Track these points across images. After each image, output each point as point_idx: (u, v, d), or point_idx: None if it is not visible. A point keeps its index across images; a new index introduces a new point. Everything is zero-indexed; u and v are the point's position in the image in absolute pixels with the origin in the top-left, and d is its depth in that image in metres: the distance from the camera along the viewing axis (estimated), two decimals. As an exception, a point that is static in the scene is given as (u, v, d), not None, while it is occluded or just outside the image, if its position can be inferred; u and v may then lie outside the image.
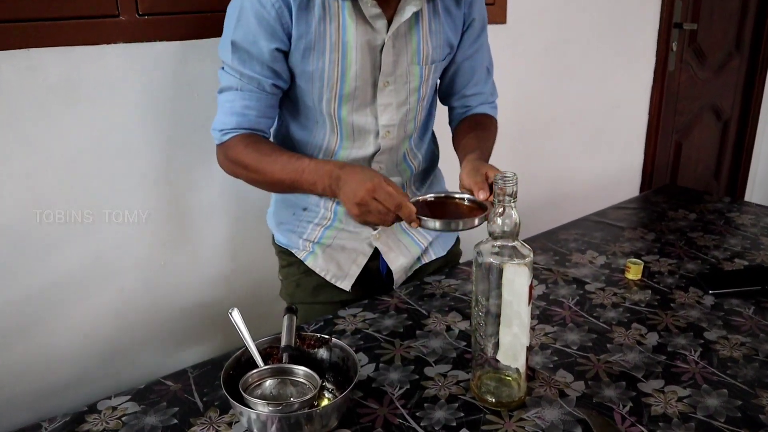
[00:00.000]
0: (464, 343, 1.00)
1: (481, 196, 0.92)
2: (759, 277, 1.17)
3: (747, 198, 3.17)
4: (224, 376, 0.82)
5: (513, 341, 0.81)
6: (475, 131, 1.14)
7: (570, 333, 1.02)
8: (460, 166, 1.02)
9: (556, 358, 0.95)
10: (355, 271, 1.22)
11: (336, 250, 1.21)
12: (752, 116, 3.02)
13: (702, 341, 0.99)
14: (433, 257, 1.29)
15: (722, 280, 1.18)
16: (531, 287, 0.79)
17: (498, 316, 0.80)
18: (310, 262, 1.22)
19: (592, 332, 1.03)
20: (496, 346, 0.82)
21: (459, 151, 1.12)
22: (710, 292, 1.14)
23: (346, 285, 1.22)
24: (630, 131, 2.53)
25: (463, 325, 1.05)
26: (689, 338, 1.00)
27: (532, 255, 0.78)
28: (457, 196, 0.98)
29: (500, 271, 0.77)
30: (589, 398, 0.86)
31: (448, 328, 1.05)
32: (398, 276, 1.24)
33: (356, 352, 0.98)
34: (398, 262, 1.23)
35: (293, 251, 1.23)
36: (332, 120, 1.07)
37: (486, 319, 0.81)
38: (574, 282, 1.20)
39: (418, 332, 1.04)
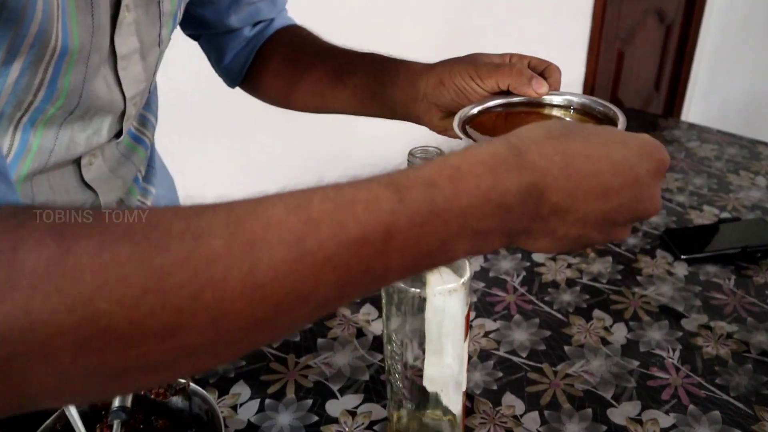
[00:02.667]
0: (380, 357, 0.75)
1: (542, 89, 0.55)
2: (736, 235, 0.97)
3: (686, 109, 3.01)
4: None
5: (443, 377, 0.57)
6: (354, 54, 0.67)
7: (517, 330, 0.79)
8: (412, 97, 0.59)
9: (500, 374, 0.72)
10: None
11: None
12: (695, 19, 2.81)
13: (680, 333, 0.79)
14: None
15: (694, 240, 0.97)
16: (468, 316, 0.54)
17: (420, 358, 0.55)
18: None
19: (544, 327, 0.80)
20: (421, 392, 0.57)
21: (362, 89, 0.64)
22: (682, 257, 0.93)
23: None
24: (571, 39, 2.27)
25: (378, 327, 0.80)
26: (664, 330, 0.79)
27: (469, 271, 0.52)
28: (515, 100, 0.55)
29: (422, 302, 0.51)
30: (547, 440, 0.64)
31: (359, 333, 0.79)
32: None
33: (236, 380, 0.72)
34: None
35: None
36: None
37: (403, 364, 0.55)
38: (518, 250, 0.97)
39: (319, 341, 0.78)
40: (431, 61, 0.61)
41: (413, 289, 0.51)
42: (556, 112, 0.57)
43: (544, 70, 0.57)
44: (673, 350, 0.76)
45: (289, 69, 0.71)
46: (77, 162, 0.57)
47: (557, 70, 0.57)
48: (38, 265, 0.27)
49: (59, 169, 0.56)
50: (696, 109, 2.98)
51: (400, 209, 0.32)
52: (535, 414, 0.67)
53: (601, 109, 0.54)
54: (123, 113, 0.57)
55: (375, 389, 0.70)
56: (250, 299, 0.30)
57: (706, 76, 2.94)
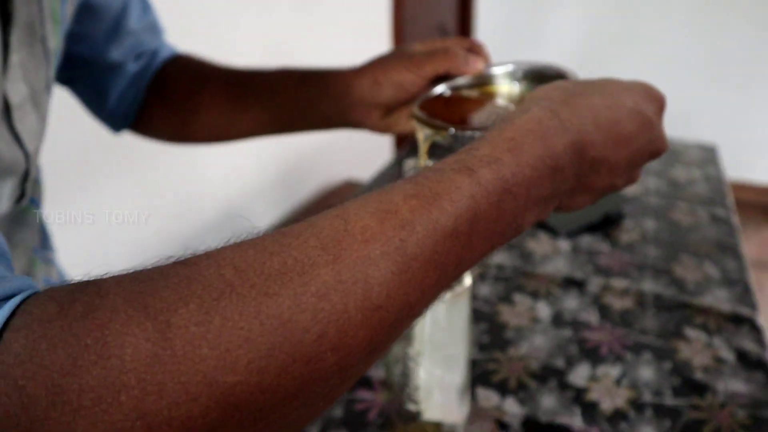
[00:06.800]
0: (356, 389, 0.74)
1: (480, 64, 0.54)
2: (596, 206, 1.11)
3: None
4: None
5: (447, 387, 0.59)
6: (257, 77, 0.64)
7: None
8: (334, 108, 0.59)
9: (464, 373, 0.76)
10: None
11: None
12: (467, 30, 3.14)
13: (590, 298, 0.89)
14: None
15: (566, 217, 1.10)
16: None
17: (414, 384, 0.56)
18: None
19: (479, 321, 0.85)
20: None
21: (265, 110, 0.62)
22: (563, 233, 1.05)
23: None
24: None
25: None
26: (576, 298, 0.89)
27: (470, 276, 0.55)
28: (461, 81, 0.55)
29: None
30: None
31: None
32: None
33: None
34: None
35: None
36: None
37: (405, 381, 0.56)
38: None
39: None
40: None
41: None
42: (505, 84, 0.55)
43: (471, 48, 0.57)
44: (593, 313, 0.86)
45: (184, 100, 0.67)
46: None
47: (481, 45, 0.58)
48: (139, 352, 0.23)
49: None
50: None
51: (479, 192, 0.31)
52: (511, 400, 0.71)
53: (554, 72, 0.52)
54: (26, 173, 0.49)
55: (361, 427, 0.69)
56: (370, 325, 0.28)
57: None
